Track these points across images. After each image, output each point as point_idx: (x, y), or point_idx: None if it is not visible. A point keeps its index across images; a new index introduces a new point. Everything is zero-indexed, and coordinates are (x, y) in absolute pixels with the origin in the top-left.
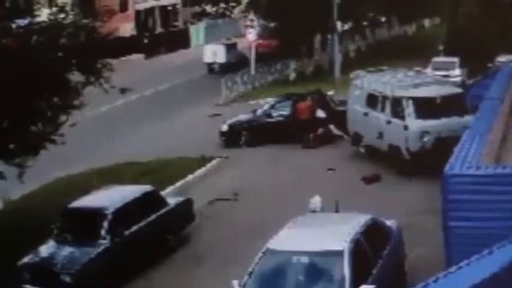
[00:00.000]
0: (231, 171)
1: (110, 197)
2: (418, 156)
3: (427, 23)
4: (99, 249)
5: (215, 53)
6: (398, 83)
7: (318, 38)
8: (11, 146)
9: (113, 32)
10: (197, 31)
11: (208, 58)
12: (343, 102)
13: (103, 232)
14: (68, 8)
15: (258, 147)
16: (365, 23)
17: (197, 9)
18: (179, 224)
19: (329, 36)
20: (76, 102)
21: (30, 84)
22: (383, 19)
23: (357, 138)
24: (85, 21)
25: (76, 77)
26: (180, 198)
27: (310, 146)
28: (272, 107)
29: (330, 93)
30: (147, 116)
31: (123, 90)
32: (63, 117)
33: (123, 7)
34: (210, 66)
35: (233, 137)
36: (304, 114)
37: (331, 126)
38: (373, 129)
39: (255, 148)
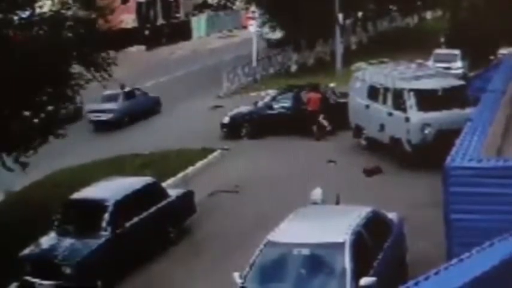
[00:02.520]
0: (232, 163)
1: (111, 189)
2: (419, 149)
3: (428, 15)
4: (100, 241)
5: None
6: (400, 75)
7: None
8: (12, 138)
9: (115, 25)
10: (199, 23)
11: (266, 34)
12: (345, 94)
13: (104, 224)
14: (69, 0)
15: (259, 139)
16: (367, 15)
17: (199, 0)
18: (180, 215)
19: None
20: (76, 95)
21: (31, 77)
22: (390, 9)
23: (358, 130)
24: (86, 13)
25: (77, 69)
26: (181, 190)
27: (320, 137)
28: (273, 98)
29: (332, 85)
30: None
31: (122, 86)
32: (63, 111)
33: None
34: (268, 41)
35: (234, 129)
36: (314, 106)
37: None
38: (374, 122)
39: (256, 140)
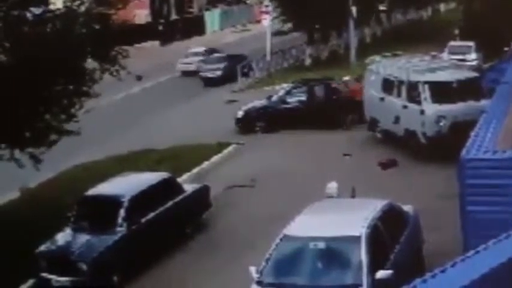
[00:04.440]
0: (247, 158)
1: (126, 185)
2: (434, 141)
3: (442, 7)
4: (116, 237)
5: None
6: (414, 67)
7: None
8: (26, 134)
9: (128, 20)
10: (212, 17)
11: None
12: None
13: (119, 220)
14: None
15: (274, 133)
16: (381, 8)
17: None
18: (196, 210)
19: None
20: (91, 90)
21: (45, 72)
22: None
23: (373, 123)
24: (100, 8)
25: (91, 64)
26: (197, 185)
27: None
28: (287, 92)
29: (346, 78)
30: (162, 103)
31: (139, 77)
32: (77, 107)
33: None
34: None
35: (248, 124)
36: (359, 95)
37: None
38: (389, 114)
39: (271, 134)
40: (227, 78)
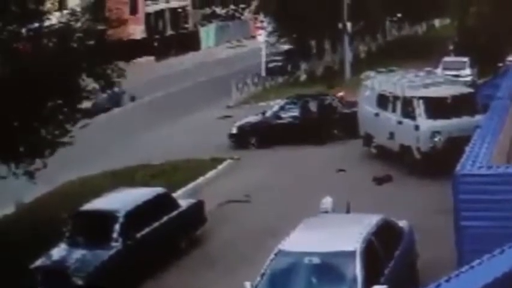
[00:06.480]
0: (242, 173)
1: (121, 200)
2: (429, 156)
3: (437, 23)
4: (111, 252)
5: None
6: (409, 83)
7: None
8: (20, 149)
9: (124, 36)
10: (207, 33)
11: None
12: (352, 104)
13: (115, 235)
14: (78, 12)
15: (268, 149)
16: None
17: (207, 11)
18: (191, 226)
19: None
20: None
21: (40, 88)
22: (394, 19)
23: (368, 139)
24: (95, 24)
25: (86, 82)
26: (192, 200)
27: None
28: (281, 108)
29: (340, 94)
30: (157, 118)
31: (132, 98)
32: (72, 122)
33: (133, 10)
34: None
35: (242, 139)
36: None
37: None
38: (384, 130)
39: (265, 149)
40: (286, 69)
